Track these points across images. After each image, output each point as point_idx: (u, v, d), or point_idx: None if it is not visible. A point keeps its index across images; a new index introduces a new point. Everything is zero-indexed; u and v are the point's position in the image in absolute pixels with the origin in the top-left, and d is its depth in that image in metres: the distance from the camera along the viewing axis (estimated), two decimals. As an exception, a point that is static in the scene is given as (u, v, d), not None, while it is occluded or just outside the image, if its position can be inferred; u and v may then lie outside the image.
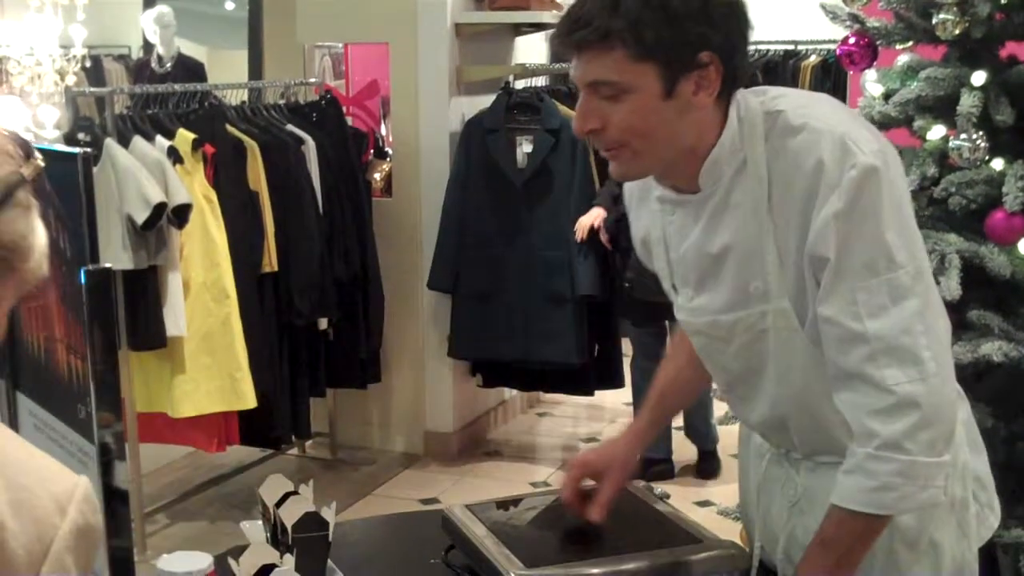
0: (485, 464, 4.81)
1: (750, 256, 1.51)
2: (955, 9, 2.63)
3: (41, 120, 5.75)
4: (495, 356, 4.65)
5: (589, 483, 1.77)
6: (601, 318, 4.56)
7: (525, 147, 4.48)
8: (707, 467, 4.52)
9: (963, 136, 2.64)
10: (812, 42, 6.00)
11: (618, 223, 4.02)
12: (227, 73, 6.46)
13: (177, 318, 3.75)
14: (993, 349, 2.53)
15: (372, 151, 4.89)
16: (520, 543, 1.65)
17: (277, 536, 1.67)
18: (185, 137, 3.86)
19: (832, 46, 4.83)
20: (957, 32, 2.65)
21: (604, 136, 1.47)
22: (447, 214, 4.58)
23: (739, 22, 1.46)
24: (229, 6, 7.12)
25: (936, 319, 1.46)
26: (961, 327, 2.56)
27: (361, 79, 5.29)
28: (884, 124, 2.78)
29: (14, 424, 1.82)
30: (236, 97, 4.42)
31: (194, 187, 3.79)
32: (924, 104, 2.75)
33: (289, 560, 1.58)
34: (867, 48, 2.85)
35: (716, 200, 1.52)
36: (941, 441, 1.44)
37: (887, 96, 2.83)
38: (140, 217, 3.56)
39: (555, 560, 1.61)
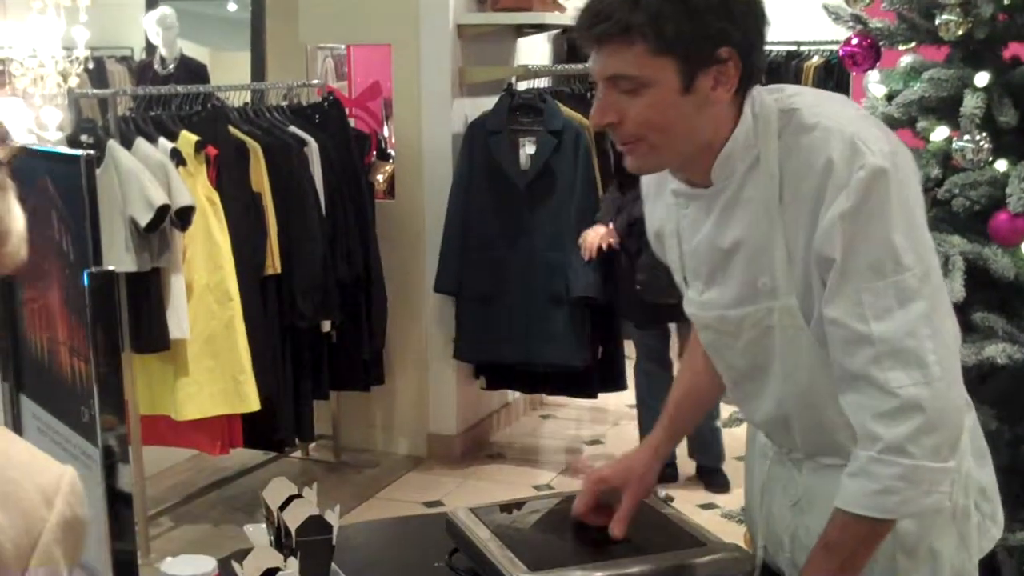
0: (488, 467, 4.81)
1: (759, 252, 1.51)
2: (958, 10, 2.62)
3: (44, 122, 5.76)
4: (498, 359, 4.65)
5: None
6: (604, 320, 4.55)
7: (528, 148, 4.48)
8: (715, 480, 4.46)
9: (966, 137, 2.63)
10: (814, 43, 6.00)
11: (630, 227, 4.00)
12: (230, 75, 6.46)
13: (180, 320, 3.75)
14: (997, 351, 2.52)
15: (375, 153, 4.89)
16: (524, 546, 1.65)
17: (281, 539, 1.67)
18: (188, 139, 3.85)
19: (834, 47, 4.83)
20: (960, 33, 2.65)
21: (621, 130, 1.48)
22: (451, 217, 4.57)
23: (758, 19, 1.47)
24: (231, 8, 7.12)
25: (943, 323, 1.45)
26: (965, 329, 2.54)
27: (363, 80, 5.30)
28: (887, 125, 2.77)
29: (17, 427, 1.82)
30: (239, 99, 4.42)
31: (197, 189, 3.79)
32: (927, 105, 2.75)
33: (293, 563, 1.58)
34: (870, 49, 2.84)
35: (728, 195, 1.52)
36: (946, 446, 1.43)
37: (890, 97, 2.83)
38: (143, 219, 3.56)
39: (559, 563, 1.61)
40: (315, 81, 4.90)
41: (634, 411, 4.75)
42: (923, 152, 2.74)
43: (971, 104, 2.62)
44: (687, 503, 4.10)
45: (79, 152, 1.48)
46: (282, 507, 1.68)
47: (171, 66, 6.58)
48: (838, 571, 1.48)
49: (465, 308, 4.63)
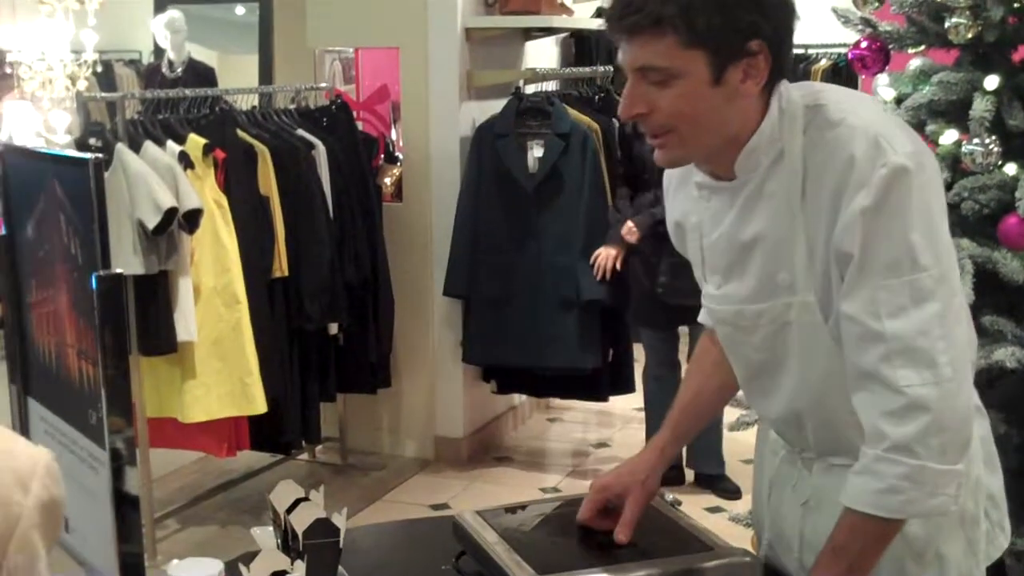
0: (495, 469, 4.81)
1: (779, 247, 1.51)
2: (968, 13, 2.62)
3: (52, 125, 5.78)
4: (507, 362, 4.65)
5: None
6: (613, 323, 4.54)
7: (536, 152, 4.47)
8: (723, 486, 4.43)
9: (976, 141, 2.63)
10: (822, 46, 5.99)
11: (655, 226, 3.97)
12: (237, 78, 6.47)
13: (188, 323, 3.75)
14: (1006, 355, 2.52)
15: (382, 156, 4.89)
16: (531, 550, 1.64)
17: (288, 542, 1.67)
18: (196, 142, 3.86)
19: (843, 50, 4.82)
20: (970, 36, 2.64)
21: (650, 121, 1.48)
22: (459, 220, 4.57)
23: (788, 13, 1.47)
24: (240, 11, 7.14)
25: (956, 326, 1.45)
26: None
27: (371, 84, 5.30)
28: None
29: (25, 429, 1.82)
30: (247, 102, 4.43)
31: (205, 192, 3.80)
32: (936, 108, 2.74)
33: (300, 567, 1.58)
34: (879, 52, 2.84)
35: (751, 188, 1.53)
36: (953, 448, 1.42)
37: (899, 100, 2.82)
38: (151, 222, 3.56)
39: (566, 567, 1.60)
40: (323, 84, 4.91)
41: (640, 414, 4.75)
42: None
43: (980, 107, 2.61)
44: (694, 507, 4.09)
45: (87, 155, 1.48)
46: (289, 510, 1.67)
47: (179, 69, 6.60)
48: (846, 573, 1.47)
49: (474, 311, 4.63)
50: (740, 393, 1.84)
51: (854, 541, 1.47)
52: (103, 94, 5.02)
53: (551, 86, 4.96)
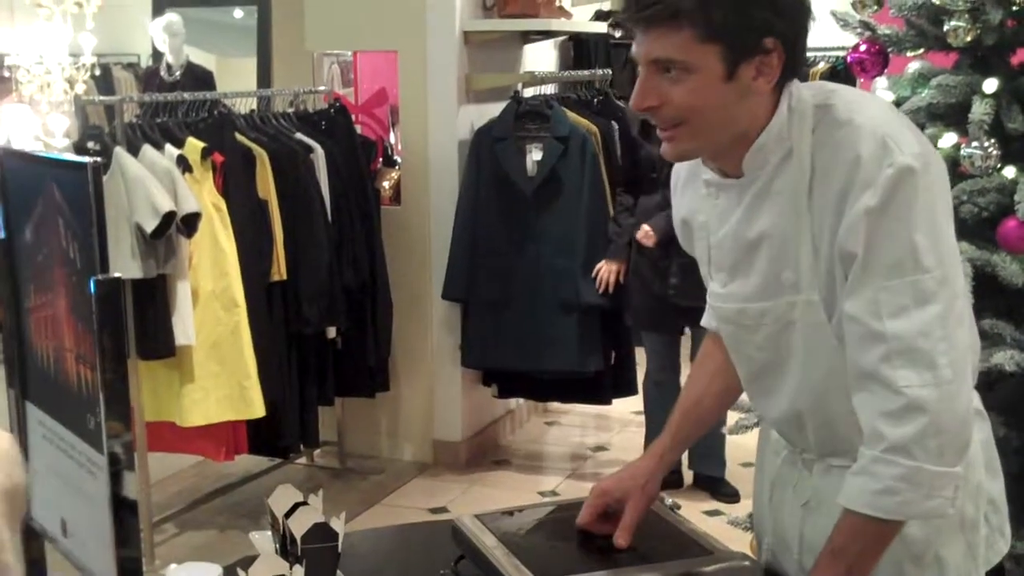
0: (494, 473, 4.81)
1: (785, 245, 1.51)
2: (966, 16, 2.62)
3: (51, 129, 5.77)
4: (507, 366, 4.64)
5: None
6: (615, 325, 4.54)
7: (535, 155, 4.47)
8: (722, 489, 4.43)
9: (975, 144, 2.63)
10: (820, 49, 6.00)
11: (669, 230, 3.98)
12: (236, 81, 6.48)
13: (186, 327, 3.75)
14: (1005, 359, 2.52)
15: (381, 159, 4.89)
16: (530, 554, 1.64)
17: (286, 547, 1.67)
18: (194, 146, 3.86)
19: (841, 53, 4.82)
20: (968, 39, 2.65)
21: (661, 113, 1.48)
22: (458, 224, 4.57)
23: (803, 13, 1.48)
24: (238, 14, 7.14)
25: (958, 328, 1.45)
26: (973, 336, 2.55)
27: (370, 87, 5.30)
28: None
29: (23, 434, 1.81)
30: (245, 105, 4.42)
31: (203, 196, 3.80)
32: (935, 112, 2.75)
33: (299, 571, 1.57)
34: (878, 55, 2.84)
35: (758, 186, 1.53)
36: (951, 451, 1.42)
37: (898, 104, 2.82)
38: (149, 226, 3.56)
39: (565, 571, 1.60)
40: (321, 88, 4.91)
41: (638, 418, 4.75)
42: (931, 159, 2.73)
43: (979, 110, 2.61)
44: (693, 510, 4.09)
45: (86, 159, 1.47)
46: (288, 514, 1.67)
47: (177, 73, 6.60)
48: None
49: (473, 315, 4.63)
50: (739, 396, 1.84)
51: (852, 543, 1.47)
52: (101, 98, 5.01)
53: (549, 89, 4.96)
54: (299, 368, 4.27)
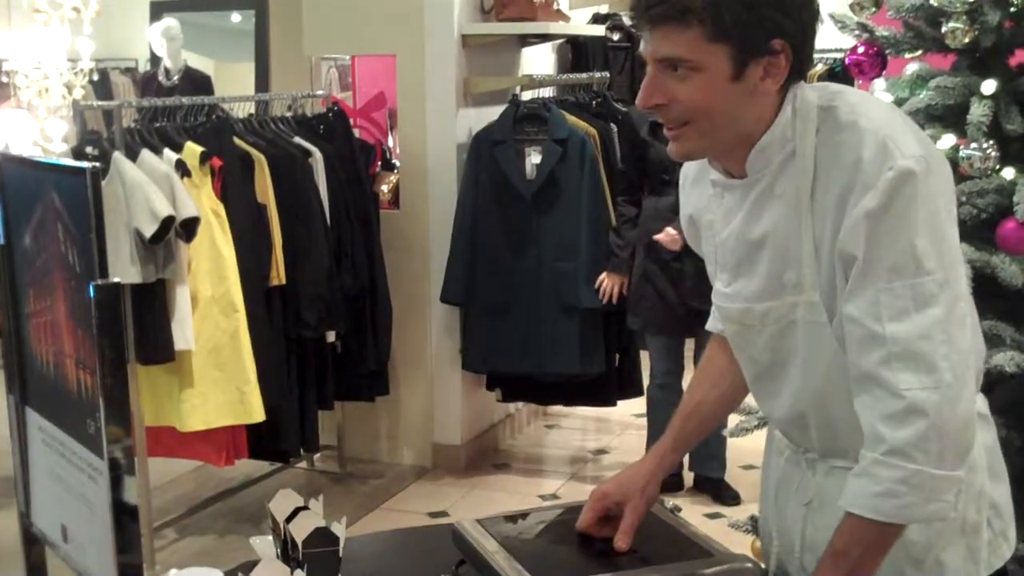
0: (494, 477, 4.80)
1: (787, 246, 1.52)
2: (964, 18, 2.62)
3: (49, 134, 5.77)
4: (509, 369, 4.64)
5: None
6: (619, 327, 4.53)
7: (534, 158, 4.48)
8: (723, 492, 4.40)
9: (973, 145, 2.63)
10: (818, 51, 5.99)
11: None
12: (234, 86, 6.48)
13: (185, 332, 3.75)
14: (1005, 360, 2.52)
15: (379, 163, 4.89)
16: (531, 558, 1.64)
17: (287, 551, 1.67)
18: (193, 150, 3.86)
19: (839, 55, 4.82)
20: (967, 41, 2.65)
21: (667, 112, 1.49)
22: (457, 227, 4.57)
23: (812, 15, 1.49)
24: (236, 19, 7.14)
25: (959, 331, 1.44)
26: (973, 337, 2.54)
27: (368, 91, 5.30)
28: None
29: (23, 440, 1.81)
30: (243, 110, 4.43)
31: (202, 200, 3.79)
32: (934, 113, 2.75)
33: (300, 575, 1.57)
34: (876, 57, 2.84)
35: (761, 187, 1.54)
36: (952, 454, 1.42)
37: (896, 105, 2.82)
38: (148, 231, 3.56)
39: (566, 575, 1.60)
40: (319, 92, 4.91)
41: (638, 420, 4.75)
42: (930, 160, 2.73)
43: (978, 112, 2.61)
44: (694, 513, 4.09)
45: (84, 164, 1.47)
46: (288, 519, 1.67)
47: (175, 77, 6.60)
48: (845, 579, 1.47)
49: (473, 318, 4.62)
50: (743, 400, 1.84)
51: (853, 546, 1.46)
52: (99, 102, 5.01)
53: (548, 92, 4.96)
54: (299, 372, 4.27)
